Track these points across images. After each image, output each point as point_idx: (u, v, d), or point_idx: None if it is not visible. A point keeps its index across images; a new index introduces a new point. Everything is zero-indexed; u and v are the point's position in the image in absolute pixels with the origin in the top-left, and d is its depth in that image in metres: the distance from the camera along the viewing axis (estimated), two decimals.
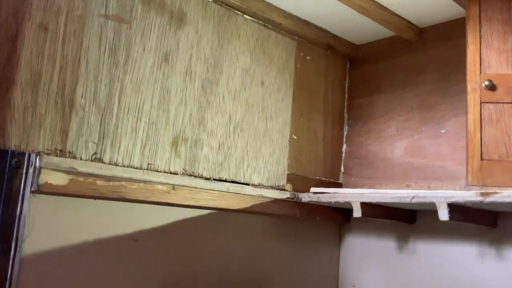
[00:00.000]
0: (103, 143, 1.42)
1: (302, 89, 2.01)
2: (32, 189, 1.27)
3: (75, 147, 1.36)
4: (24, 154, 1.30)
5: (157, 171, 1.51)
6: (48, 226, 1.34)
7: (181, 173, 1.58)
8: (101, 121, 1.42)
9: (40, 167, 1.25)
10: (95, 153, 1.40)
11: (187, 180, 1.54)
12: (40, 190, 1.25)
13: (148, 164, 1.50)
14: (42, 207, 1.33)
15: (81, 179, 1.31)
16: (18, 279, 1.28)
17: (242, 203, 1.65)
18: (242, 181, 1.74)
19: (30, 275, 1.30)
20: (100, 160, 1.40)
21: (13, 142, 1.26)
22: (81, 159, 1.36)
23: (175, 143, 1.57)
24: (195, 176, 1.61)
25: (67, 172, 1.29)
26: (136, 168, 1.47)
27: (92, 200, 1.40)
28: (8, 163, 1.32)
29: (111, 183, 1.36)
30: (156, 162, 1.52)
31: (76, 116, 1.37)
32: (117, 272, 1.46)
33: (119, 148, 1.45)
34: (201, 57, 1.67)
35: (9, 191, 1.31)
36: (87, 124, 1.39)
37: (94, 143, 1.40)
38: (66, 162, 1.29)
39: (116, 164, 1.43)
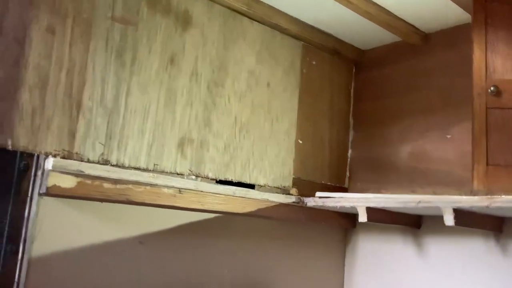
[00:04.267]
0: (110, 144, 1.43)
1: (308, 93, 2.01)
2: (41, 191, 1.28)
3: (83, 148, 1.38)
4: (32, 156, 1.31)
5: (163, 172, 1.53)
6: (55, 228, 1.35)
7: (187, 174, 1.59)
8: (108, 122, 1.44)
9: (49, 170, 1.26)
10: (102, 154, 1.41)
11: (193, 184, 1.54)
12: (48, 192, 1.26)
13: (154, 165, 1.52)
14: (50, 209, 1.34)
15: (89, 181, 1.31)
16: (26, 280, 1.29)
17: (247, 207, 1.66)
18: (248, 182, 1.75)
19: (37, 276, 1.31)
20: (107, 161, 1.42)
21: (21, 144, 1.27)
22: (88, 160, 1.38)
23: (181, 144, 1.59)
24: (202, 177, 1.62)
25: (75, 174, 1.29)
26: (143, 169, 1.48)
27: (99, 203, 1.41)
28: (17, 165, 1.33)
29: (118, 186, 1.37)
30: (162, 163, 1.54)
31: (83, 117, 1.39)
32: (123, 274, 1.47)
33: (125, 149, 1.46)
34: (206, 58, 1.69)
35: (18, 193, 1.32)
36: (94, 125, 1.41)
37: (101, 144, 1.41)
38: (74, 165, 1.30)
39: (122, 165, 1.45)
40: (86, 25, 1.42)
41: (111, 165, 1.42)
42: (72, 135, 1.37)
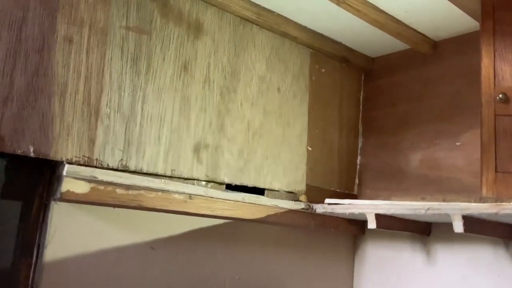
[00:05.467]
0: (128, 151, 1.46)
1: (318, 101, 2.03)
2: (55, 196, 1.31)
3: (102, 154, 1.41)
4: (47, 162, 1.33)
5: (180, 177, 1.56)
6: (69, 233, 1.38)
7: (204, 178, 1.62)
8: (125, 129, 1.47)
9: (63, 175, 1.28)
10: (121, 160, 1.44)
11: (203, 190, 1.56)
12: (63, 197, 1.28)
13: (171, 170, 1.55)
14: (64, 215, 1.36)
15: (102, 187, 1.34)
16: (39, 284, 1.31)
17: (257, 213, 1.67)
18: (263, 187, 1.77)
19: (51, 280, 1.33)
20: (126, 167, 1.45)
21: (43, 151, 1.30)
22: (108, 166, 1.41)
23: (196, 150, 1.62)
24: (218, 183, 1.65)
25: (89, 180, 1.32)
26: (161, 175, 1.51)
27: (111, 208, 1.43)
28: (32, 171, 1.36)
29: (130, 192, 1.39)
30: (179, 168, 1.57)
31: (102, 124, 1.42)
32: (135, 279, 1.49)
33: (143, 155, 1.50)
34: (218, 65, 1.72)
35: (32, 198, 1.35)
36: (112, 132, 1.44)
37: (120, 150, 1.44)
38: (88, 171, 1.32)
39: (141, 171, 1.48)
40: (102, 34, 1.45)
41: (130, 172, 1.44)
42: (92, 141, 1.40)
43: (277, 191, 1.82)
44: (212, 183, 1.65)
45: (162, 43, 1.58)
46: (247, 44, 1.81)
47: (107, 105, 1.44)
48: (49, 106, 1.33)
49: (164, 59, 1.58)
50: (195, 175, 1.60)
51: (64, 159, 1.33)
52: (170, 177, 1.53)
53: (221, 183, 1.66)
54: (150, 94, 1.54)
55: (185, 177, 1.57)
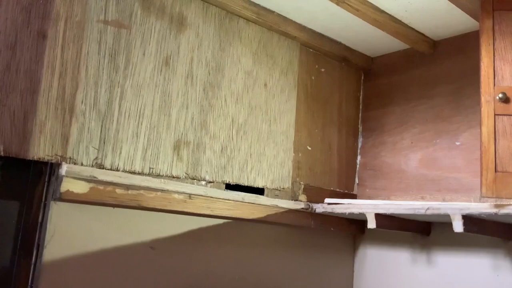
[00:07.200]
0: (104, 149, 1.42)
1: (317, 100, 2.03)
2: (54, 196, 1.31)
3: (76, 153, 1.36)
4: (46, 163, 1.33)
5: (158, 175, 1.52)
6: (68, 233, 1.37)
7: (184, 176, 1.58)
8: (101, 126, 1.42)
9: (62, 176, 1.28)
10: (96, 158, 1.40)
11: (203, 190, 1.55)
12: (62, 198, 1.28)
13: (149, 168, 1.51)
14: (63, 214, 1.36)
15: (101, 187, 1.33)
16: (39, 284, 1.31)
17: (256, 212, 1.67)
18: (246, 184, 1.74)
19: (50, 280, 1.33)
20: (101, 165, 1.40)
21: (14, 150, 1.25)
22: (82, 164, 1.37)
23: (177, 147, 1.58)
24: (197, 179, 1.61)
25: (88, 180, 1.31)
26: (138, 173, 1.47)
27: (110, 208, 1.43)
28: (31, 171, 1.36)
29: (130, 192, 1.38)
30: (157, 166, 1.53)
31: (77, 121, 1.37)
32: (134, 279, 1.49)
33: (120, 153, 1.45)
34: (202, 60, 1.68)
35: (32, 199, 1.35)
36: (87, 129, 1.39)
37: (95, 148, 1.40)
38: (87, 171, 1.32)
39: (117, 169, 1.43)
40: (78, 28, 1.40)
41: (105, 169, 1.40)
42: (65, 139, 1.35)
43: (269, 189, 1.79)
44: (197, 180, 1.61)
45: (143, 37, 1.54)
46: (233, 38, 1.77)
47: (82, 102, 1.39)
48: (21, 103, 1.28)
49: (144, 53, 1.53)
50: (174, 173, 1.56)
51: (35, 158, 1.28)
52: (148, 175, 1.49)
53: (201, 181, 1.62)
54: (128, 90, 1.49)
55: (164, 174, 1.53)
